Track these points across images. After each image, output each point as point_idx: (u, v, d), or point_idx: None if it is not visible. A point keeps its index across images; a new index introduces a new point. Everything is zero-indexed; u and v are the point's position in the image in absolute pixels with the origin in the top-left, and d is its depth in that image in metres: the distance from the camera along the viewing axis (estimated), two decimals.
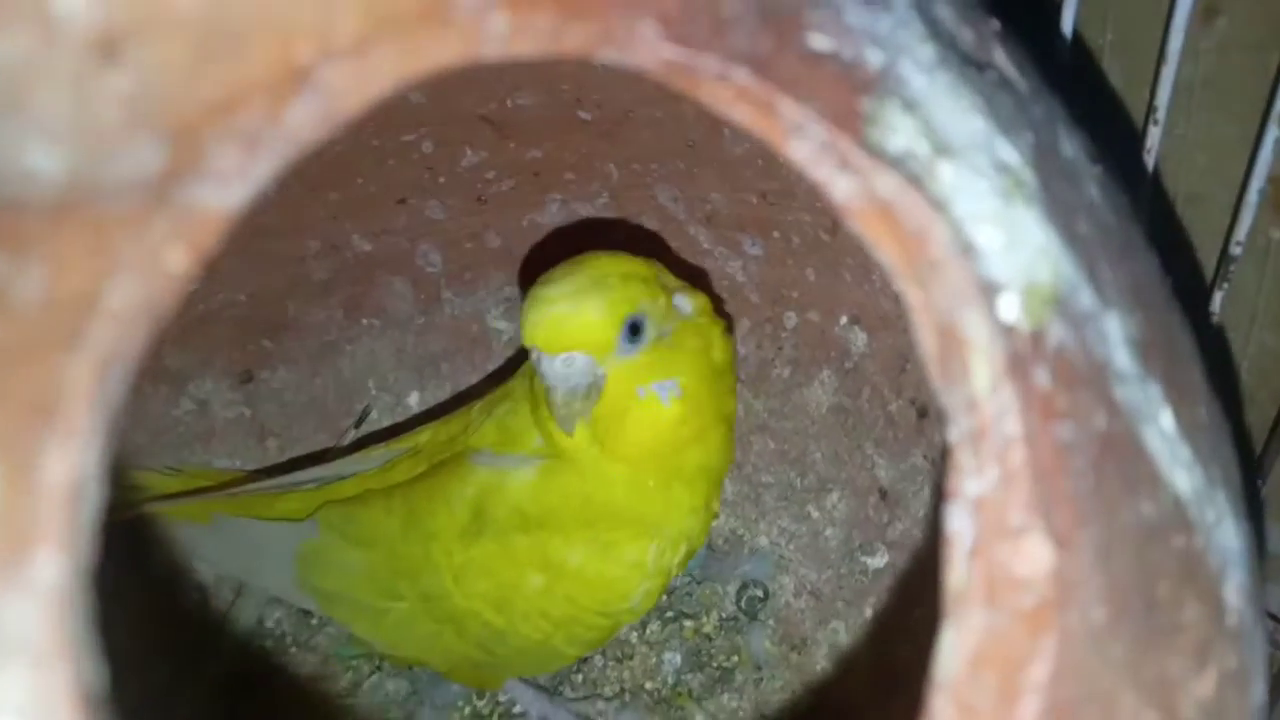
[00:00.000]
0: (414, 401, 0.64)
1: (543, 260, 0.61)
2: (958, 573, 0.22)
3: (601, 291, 0.43)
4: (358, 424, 0.63)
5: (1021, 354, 0.22)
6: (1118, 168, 0.29)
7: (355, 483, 0.54)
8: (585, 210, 0.60)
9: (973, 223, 0.22)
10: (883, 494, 0.57)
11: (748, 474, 0.61)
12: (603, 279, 0.44)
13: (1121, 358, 0.24)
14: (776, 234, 0.58)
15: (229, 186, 0.16)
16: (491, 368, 0.64)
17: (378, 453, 0.55)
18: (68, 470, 0.15)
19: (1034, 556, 0.21)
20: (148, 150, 0.16)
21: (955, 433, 0.22)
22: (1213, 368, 0.29)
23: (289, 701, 0.55)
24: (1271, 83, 0.41)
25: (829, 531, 0.59)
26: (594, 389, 0.43)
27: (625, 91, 0.54)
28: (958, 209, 0.22)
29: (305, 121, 0.17)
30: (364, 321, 0.62)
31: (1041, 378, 0.22)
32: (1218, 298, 0.44)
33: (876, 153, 0.21)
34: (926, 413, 0.55)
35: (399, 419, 0.64)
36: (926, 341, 0.22)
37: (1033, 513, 0.21)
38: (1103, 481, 0.23)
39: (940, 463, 0.54)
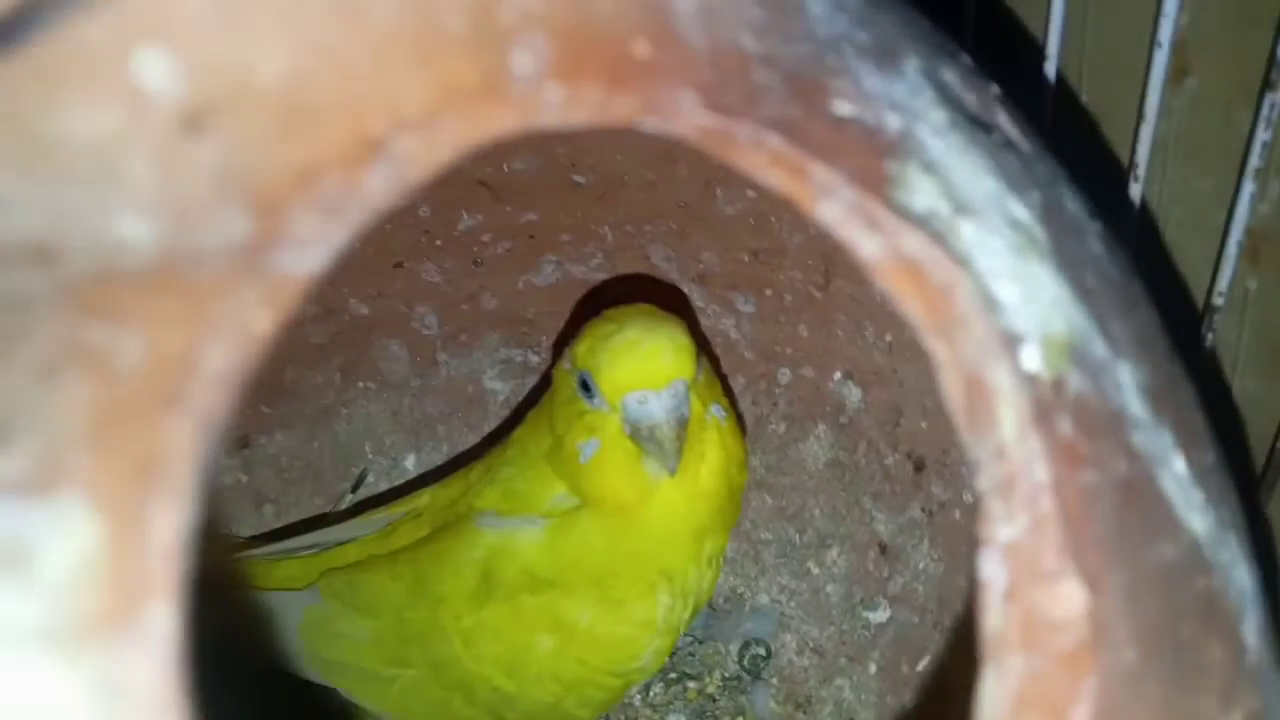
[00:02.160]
0: (410, 464, 0.64)
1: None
2: (994, 617, 0.22)
3: (672, 321, 0.44)
4: (355, 488, 0.63)
5: (1044, 402, 0.23)
6: (1105, 220, 0.31)
7: (356, 548, 0.54)
8: (579, 271, 0.62)
9: (993, 277, 0.23)
10: (882, 548, 0.57)
11: (746, 531, 0.62)
12: (657, 313, 0.45)
13: (1135, 405, 0.25)
14: (769, 291, 0.59)
15: (310, 252, 0.17)
16: (488, 429, 0.64)
17: (377, 516, 0.55)
18: (174, 526, 0.16)
19: (1069, 599, 0.22)
20: (235, 220, 0.17)
21: (985, 481, 0.23)
22: (1210, 409, 0.31)
23: None
24: (1244, 139, 0.43)
25: (830, 588, 0.59)
26: (686, 419, 0.43)
27: (619, 155, 0.56)
28: (979, 265, 0.23)
29: (379, 188, 0.18)
30: (360, 385, 0.62)
31: (1064, 425, 0.23)
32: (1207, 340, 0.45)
33: (902, 212, 0.22)
34: (923, 466, 0.55)
35: (396, 482, 0.64)
36: (954, 393, 0.23)
37: (1064, 557, 0.22)
38: (1125, 525, 0.24)
39: (938, 515, 0.55)
